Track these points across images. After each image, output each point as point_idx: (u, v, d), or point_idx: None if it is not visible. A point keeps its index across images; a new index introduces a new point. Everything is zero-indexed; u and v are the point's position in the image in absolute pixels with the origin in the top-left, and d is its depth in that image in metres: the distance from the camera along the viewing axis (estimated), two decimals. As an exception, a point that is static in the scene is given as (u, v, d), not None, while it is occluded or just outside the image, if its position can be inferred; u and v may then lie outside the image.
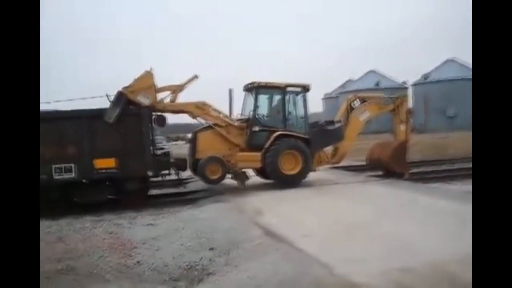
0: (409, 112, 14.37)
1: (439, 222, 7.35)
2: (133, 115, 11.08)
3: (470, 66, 55.22)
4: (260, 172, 13.44)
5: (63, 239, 8.02)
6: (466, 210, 8.20)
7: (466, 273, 4.68)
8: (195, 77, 12.36)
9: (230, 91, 13.17)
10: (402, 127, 14.12)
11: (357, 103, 13.88)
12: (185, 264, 6.41)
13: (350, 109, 13.86)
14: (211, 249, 6.75)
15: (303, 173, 12.50)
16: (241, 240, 6.84)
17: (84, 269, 6.46)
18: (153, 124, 11.77)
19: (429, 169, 17.36)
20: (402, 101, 14.26)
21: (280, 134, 12.34)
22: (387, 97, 14.51)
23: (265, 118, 13.04)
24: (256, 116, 12.66)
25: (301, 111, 13.12)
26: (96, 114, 10.67)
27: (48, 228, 8.71)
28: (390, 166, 13.80)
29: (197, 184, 13.21)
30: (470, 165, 17.60)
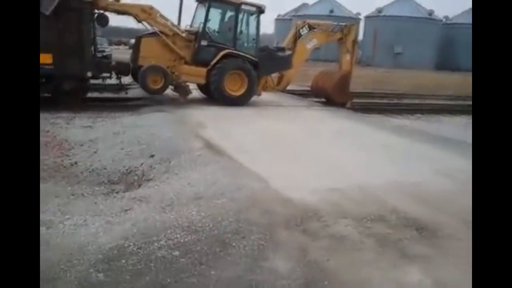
0: (355, 42, 14.42)
1: (373, 151, 7.76)
2: (73, 9, 10.25)
3: (423, 6, 56.00)
4: (202, 88, 13.20)
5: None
6: (398, 141, 8.75)
7: (391, 198, 5.08)
8: None
9: None
10: (348, 57, 14.23)
11: (305, 30, 13.69)
12: (125, 168, 6.41)
13: (298, 35, 13.68)
14: (152, 156, 6.74)
15: (247, 95, 12.39)
16: (182, 150, 6.85)
17: (16, 166, 6.25)
18: (94, 23, 11.03)
19: (370, 101, 17.96)
20: (349, 30, 14.21)
21: (228, 53, 12.01)
22: (335, 24, 14.40)
23: (215, 34, 12.53)
24: (206, 30, 12.15)
25: (252, 32, 12.77)
26: None
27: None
28: (333, 96, 14.10)
29: (139, 91, 12.84)
30: (408, 101, 18.61)
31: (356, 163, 6.76)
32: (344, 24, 14.58)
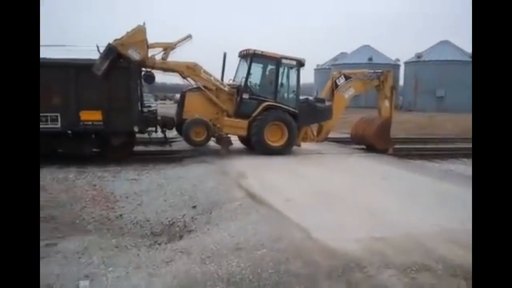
0: (393, 88, 14.31)
1: (418, 197, 7.52)
2: (122, 69, 10.94)
3: (463, 49, 55.58)
4: (244, 140, 13.43)
5: (46, 188, 8.03)
6: (444, 187, 8.45)
7: (438, 246, 4.87)
8: (189, 36, 12.19)
9: (224, 55, 13.01)
10: (387, 103, 14.13)
11: (341, 79, 13.83)
12: (167, 220, 6.54)
13: (335, 86, 13.81)
14: (194, 207, 6.86)
15: (287, 146, 12.48)
16: (224, 200, 6.94)
17: (65, 219, 6.53)
18: (142, 80, 11.67)
19: (413, 146, 17.59)
20: (386, 77, 14.19)
21: (269, 105, 12.29)
22: (372, 72, 14.45)
23: (256, 87, 12.90)
24: (248, 84, 12.52)
25: (293, 85, 13.07)
26: (85, 65, 10.49)
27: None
28: (374, 143, 13.92)
29: (183, 144, 13.24)
30: (453, 145, 18.10)
31: (400, 210, 6.56)
32: (380, 71, 14.62)
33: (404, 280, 4.01)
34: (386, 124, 13.95)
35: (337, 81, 13.80)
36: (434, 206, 6.89)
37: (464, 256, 4.59)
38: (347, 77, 13.90)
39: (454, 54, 53.29)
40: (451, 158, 14.75)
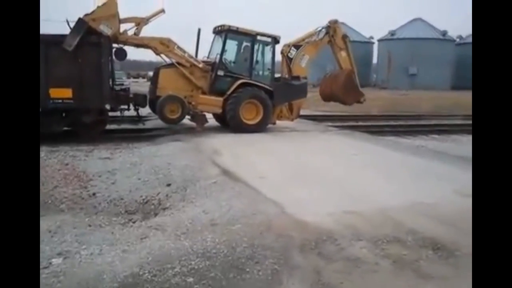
0: (345, 36, 14.07)
1: (390, 172, 7.69)
2: (93, 44, 10.62)
3: (436, 26, 56.12)
4: (219, 117, 13.35)
5: (16, 168, 7.82)
6: (416, 162, 8.66)
7: (409, 219, 5.02)
8: (162, 11, 11.91)
9: (199, 31, 12.80)
10: (343, 53, 13.83)
11: (293, 51, 13.61)
12: (142, 198, 6.51)
13: (289, 60, 13.61)
14: (168, 185, 6.83)
15: (262, 124, 12.44)
16: (198, 177, 6.94)
17: (37, 198, 6.40)
18: (113, 56, 11.39)
19: (386, 123, 17.90)
20: (335, 29, 13.86)
21: (244, 82, 12.19)
22: (318, 30, 14.08)
23: (231, 64, 12.79)
24: (222, 61, 12.38)
25: (268, 62, 12.94)
26: (53, 40, 10.15)
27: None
28: (343, 98, 13.83)
29: (156, 122, 13.10)
30: (425, 122, 18.48)
31: (373, 185, 6.69)
32: (326, 25, 14.23)
33: (375, 251, 4.13)
34: (351, 76, 13.73)
35: (288, 55, 13.57)
36: (406, 180, 7.06)
37: (433, 228, 4.76)
38: (297, 47, 13.68)
39: (426, 31, 53.94)
40: (422, 135, 15.09)
